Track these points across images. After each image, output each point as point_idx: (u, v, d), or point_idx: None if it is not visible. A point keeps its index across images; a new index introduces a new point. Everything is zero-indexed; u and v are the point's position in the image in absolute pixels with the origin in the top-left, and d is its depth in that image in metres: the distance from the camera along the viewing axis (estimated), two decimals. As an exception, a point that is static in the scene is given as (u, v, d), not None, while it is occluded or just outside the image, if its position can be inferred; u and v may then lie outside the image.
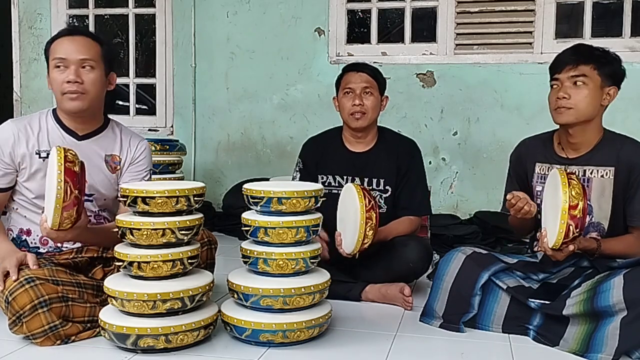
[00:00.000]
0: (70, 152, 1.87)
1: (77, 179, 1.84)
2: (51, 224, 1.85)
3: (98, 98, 2.10)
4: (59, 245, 2.11)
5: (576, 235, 1.90)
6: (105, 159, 2.16)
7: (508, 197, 2.08)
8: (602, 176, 2.12)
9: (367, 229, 2.19)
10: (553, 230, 1.92)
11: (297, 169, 2.70)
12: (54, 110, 2.15)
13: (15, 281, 1.85)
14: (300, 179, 2.64)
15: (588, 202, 2.11)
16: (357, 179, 2.59)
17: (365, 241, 2.21)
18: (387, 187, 2.58)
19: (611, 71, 2.11)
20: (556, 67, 2.16)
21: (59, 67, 2.03)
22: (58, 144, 2.06)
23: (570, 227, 1.87)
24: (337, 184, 2.60)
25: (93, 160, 2.12)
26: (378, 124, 2.68)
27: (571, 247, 1.94)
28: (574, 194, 1.86)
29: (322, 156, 2.65)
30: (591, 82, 2.09)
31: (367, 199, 2.19)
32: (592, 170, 2.14)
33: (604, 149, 2.14)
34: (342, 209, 2.35)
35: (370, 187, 2.56)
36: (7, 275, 1.88)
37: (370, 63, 3.98)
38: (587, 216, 2.11)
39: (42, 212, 2.06)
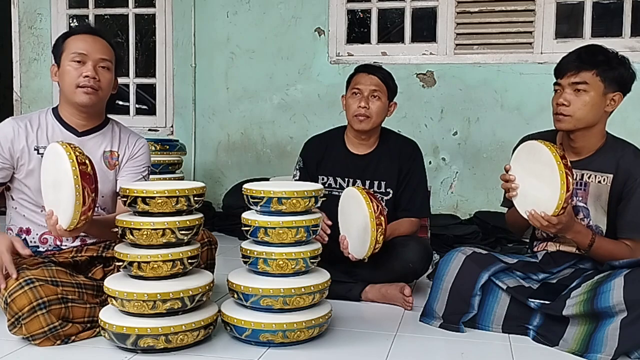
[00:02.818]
0: (78, 150, 1.85)
1: (92, 180, 1.83)
2: (66, 226, 1.84)
3: (106, 98, 2.16)
4: (58, 243, 2.12)
5: (571, 193, 1.90)
6: (103, 155, 2.17)
7: (506, 167, 2.07)
8: (599, 182, 2.11)
9: (379, 235, 2.20)
10: (552, 193, 1.89)
11: (297, 168, 2.68)
12: (54, 109, 2.17)
13: (15, 281, 1.84)
14: (300, 178, 2.63)
15: (584, 205, 2.12)
16: (358, 182, 2.57)
17: (377, 246, 2.23)
18: (388, 190, 2.57)
19: (615, 76, 2.05)
20: (559, 72, 2.12)
21: (76, 60, 2.06)
22: (58, 140, 2.06)
23: (569, 177, 1.86)
24: (337, 186, 2.59)
25: (91, 156, 2.11)
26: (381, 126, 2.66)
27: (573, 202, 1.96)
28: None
29: (323, 156, 2.63)
30: (592, 89, 2.04)
31: (374, 204, 2.19)
32: (590, 175, 2.12)
33: (605, 155, 2.12)
34: (344, 213, 2.34)
35: (372, 190, 2.55)
36: (7, 275, 1.88)
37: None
38: (585, 219, 2.13)
39: (41, 210, 2.07)
